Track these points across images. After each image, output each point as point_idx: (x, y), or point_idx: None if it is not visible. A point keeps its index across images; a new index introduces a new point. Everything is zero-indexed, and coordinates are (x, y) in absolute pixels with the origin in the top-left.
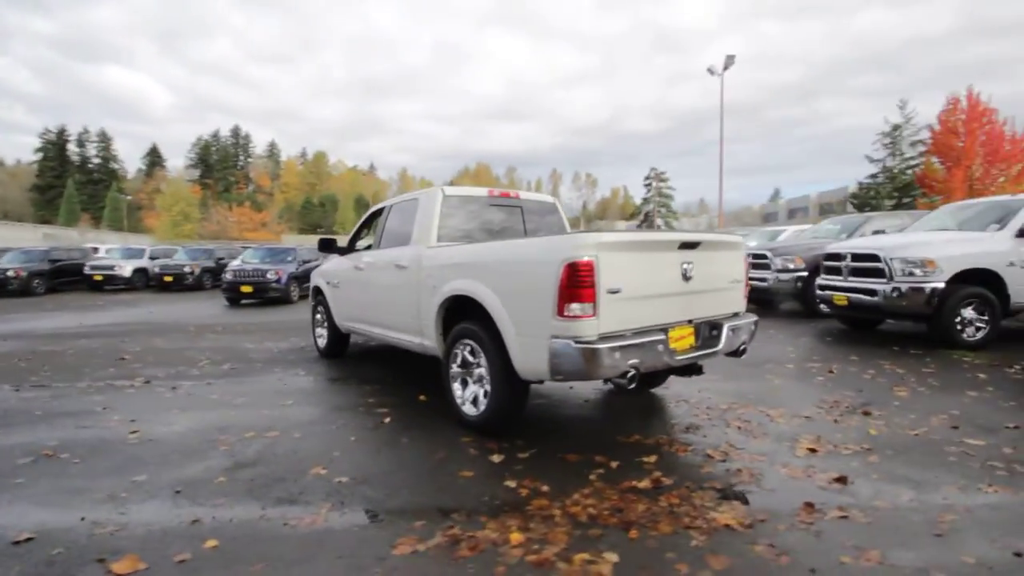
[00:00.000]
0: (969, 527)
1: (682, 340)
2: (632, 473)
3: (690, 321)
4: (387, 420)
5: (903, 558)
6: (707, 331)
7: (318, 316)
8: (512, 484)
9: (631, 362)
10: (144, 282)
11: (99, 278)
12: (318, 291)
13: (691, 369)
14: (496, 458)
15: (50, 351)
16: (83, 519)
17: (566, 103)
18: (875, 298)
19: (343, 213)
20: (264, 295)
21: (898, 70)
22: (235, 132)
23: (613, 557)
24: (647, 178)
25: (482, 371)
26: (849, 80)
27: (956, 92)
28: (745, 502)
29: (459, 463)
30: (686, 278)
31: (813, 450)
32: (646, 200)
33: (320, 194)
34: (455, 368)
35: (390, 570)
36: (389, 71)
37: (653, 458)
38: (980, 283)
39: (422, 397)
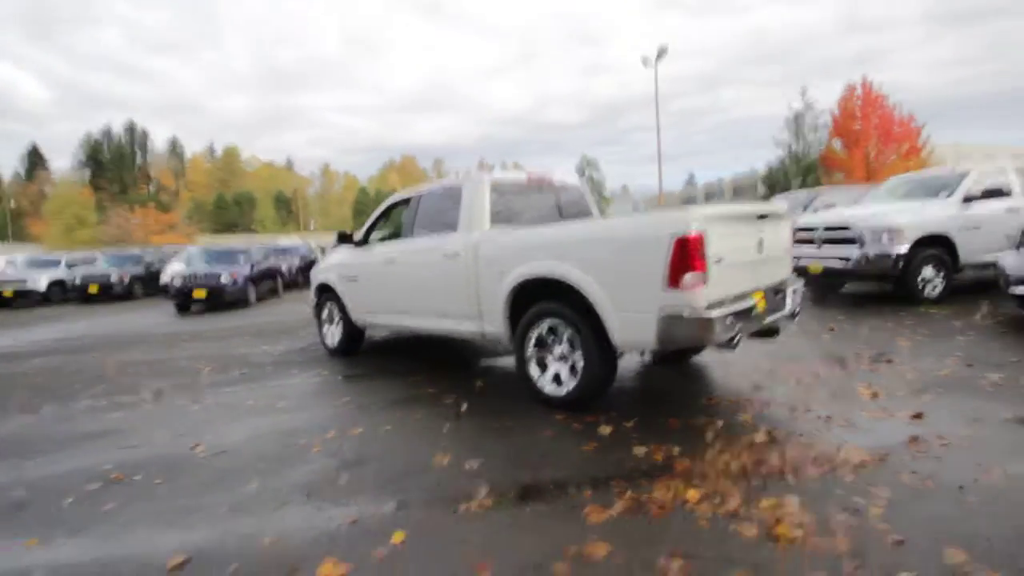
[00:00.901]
0: None
1: (760, 304)
2: (741, 429)
3: (763, 286)
4: (463, 408)
5: (1020, 469)
6: (773, 295)
7: (325, 314)
8: (642, 450)
9: (738, 326)
10: (62, 295)
11: (8, 294)
12: (323, 288)
13: (771, 331)
14: (605, 429)
15: (7, 373)
16: (229, 533)
17: (488, 94)
18: (848, 264)
19: (262, 211)
20: (219, 299)
21: (789, 62)
22: (130, 128)
23: (794, 499)
24: (577, 167)
25: (562, 349)
26: (747, 71)
27: (853, 81)
28: (857, 444)
29: (574, 438)
30: (760, 247)
31: (875, 395)
32: None
33: (234, 192)
34: (530, 350)
35: (606, 534)
36: (299, 61)
37: (747, 416)
38: (935, 246)
39: (479, 383)
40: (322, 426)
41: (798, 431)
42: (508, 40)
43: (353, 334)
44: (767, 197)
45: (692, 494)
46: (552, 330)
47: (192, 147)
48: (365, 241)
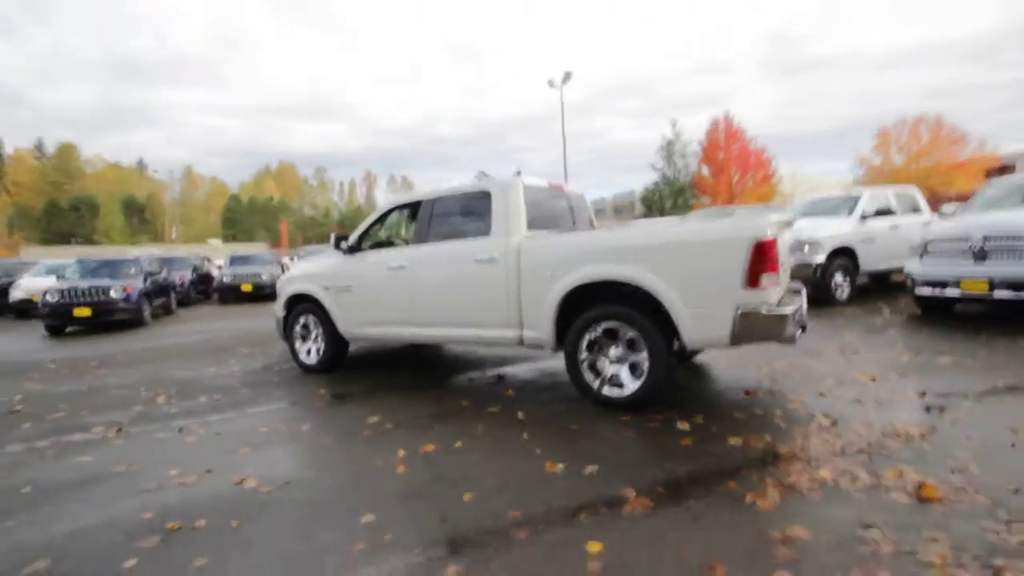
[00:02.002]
0: None
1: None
2: (799, 416)
3: (789, 289)
4: (520, 416)
5: None
6: (790, 295)
7: (298, 328)
8: (738, 441)
9: (799, 321)
10: None
11: None
12: (296, 300)
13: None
14: (684, 425)
15: None
16: (399, 572)
17: (374, 104)
18: None
19: (107, 219)
20: (107, 318)
21: (650, 96)
22: None
23: (906, 467)
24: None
25: (618, 352)
26: (615, 102)
27: (718, 116)
28: (901, 419)
29: (662, 435)
30: (785, 252)
31: (873, 379)
32: None
33: (71, 196)
34: (584, 353)
35: (793, 518)
36: (155, 52)
37: (795, 403)
38: (843, 256)
39: (509, 392)
40: (381, 446)
41: (846, 413)
42: (397, 52)
43: (338, 349)
44: (646, 215)
45: (825, 474)
46: (609, 332)
47: (14, 143)
48: (358, 248)
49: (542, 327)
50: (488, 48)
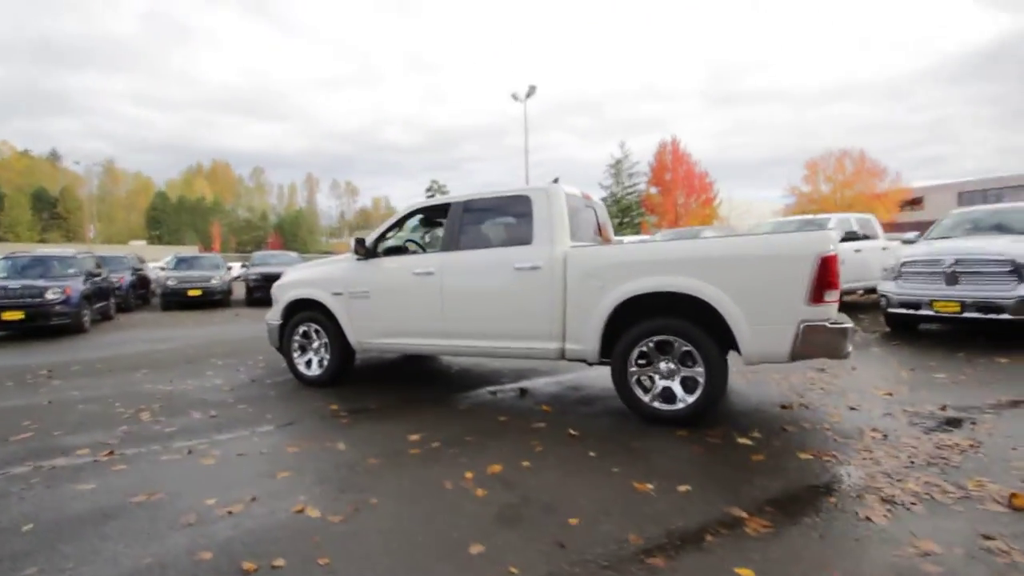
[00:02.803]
0: None
1: None
2: (847, 432)
3: None
4: (575, 434)
5: None
6: None
7: (298, 337)
8: (806, 456)
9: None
10: None
11: None
12: (297, 307)
13: None
14: (744, 440)
15: None
16: None
17: (318, 106)
18: None
19: (13, 213)
20: (42, 322)
21: (599, 116)
22: None
23: (984, 479)
24: (429, 189)
25: (669, 365)
26: (566, 118)
27: (666, 139)
28: (942, 433)
29: (728, 451)
30: None
31: (890, 394)
32: None
33: None
34: (634, 367)
35: (920, 530)
36: (77, 34)
37: (836, 416)
38: None
39: (544, 407)
40: (440, 467)
41: (890, 427)
42: (344, 53)
43: (344, 361)
44: None
45: (913, 486)
46: (661, 346)
47: None
48: (374, 252)
49: (588, 339)
50: (441, 57)
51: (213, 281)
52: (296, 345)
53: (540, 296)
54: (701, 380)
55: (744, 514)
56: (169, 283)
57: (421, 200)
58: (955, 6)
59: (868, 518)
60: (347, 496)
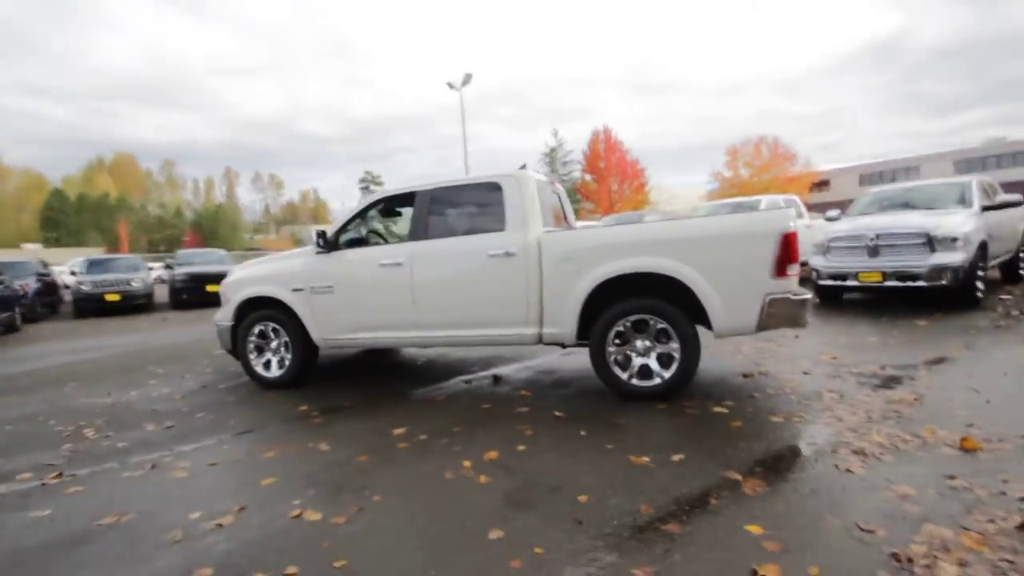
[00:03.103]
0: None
1: None
2: (810, 394)
3: None
4: (560, 415)
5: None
6: None
7: (254, 338)
8: (780, 419)
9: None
10: None
11: None
12: (251, 306)
13: None
14: (719, 409)
15: None
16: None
17: (230, 93)
18: None
19: None
20: None
21: (525, 105)
22: None
23: (934, 427)
24: (363, 181)
25: (645, 343)
26: (494, 108)
27: (598, 127)
28: (907, 388)
29: (711, 421)
30: None
31: (834, 357)
32: None
33: None
34: (612, 347)
35: (905, 478)
36: None
37: (793, 382)
38: None
39: (522, 392)
40: (434, 459)
41: (842, 388)
42: (258, 38)
43: (308, 359)
44: None
45: (878, 438)
46: (637, 325)
47: None
48: (336, 245)
49: (565, 323)
50: (361, 43)
51: (133, 284)
52: (252, 346)
53: (515, 282)
54: (677, 356)
55: (739, 476)
56: (83, 288)
57: (383, 192)
58: (848, 5)
59: (848, 470)
60: (346, 496)
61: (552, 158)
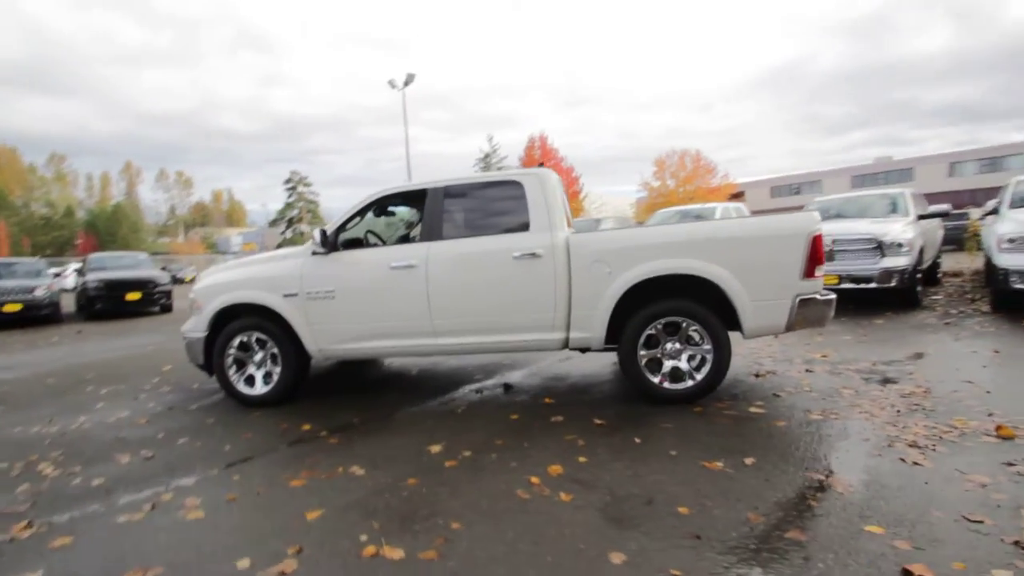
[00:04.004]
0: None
1: None
2: (828, 391)
3: None
4: (598, 421)
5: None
6: None
7: (234, 351)
8: (819, 416)
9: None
10: None
11: None
12: (231, 314)
13: None
14: (757, 409)
15: None
16: None
17: (128, 82)
18: None
19: None
20: None
21: (456, 110)
22: None
23: (962, 419)
24: (288, 181)
25: (675, 346)
26: (423, 113)
27: (534, 134)
28: (918, 380)
29: (751, 420)
30: None
31: (824, 355)
32: (289, 205)
33: None
34: (642, 350)
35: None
36: None
37: (805, 381)
38: None
39: (548, 400)
40: (492, 478)
41: (852, 384)
42: (162, 25)
43: (300, 373)
44: None
45: (919, 431)
46: (668, 327)
47: None
48: (334, 247)
49: (594, 327)
50: (278, 37)
51: (37, 292)
52: (231, 360)
53: (542, 285)
54: (709, 358)
55: (821, 477)
56: None
57: (387, 189)
58: (752, 34)
59: (916, 463)
60: (417, 526)
61: (487, 163)
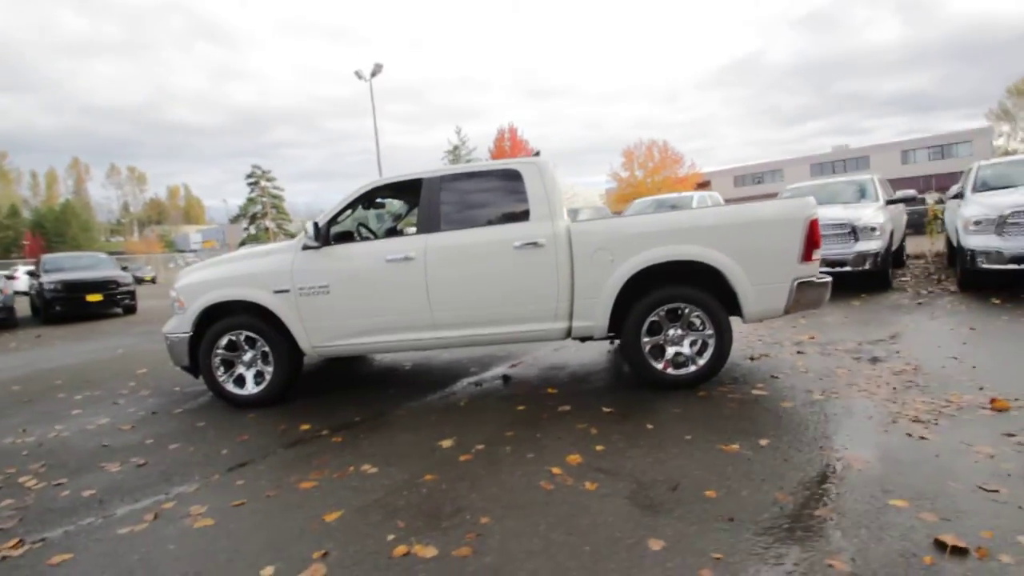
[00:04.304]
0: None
1: None
2: (823, 371)
3: None
4: (606, 409)
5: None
6: None
7: (221, 352)
8: (820, 396)
9: None
10: None
11: None
12: (215, 313)
13: None
14: (760, 391)
15: None
16: None
17: (72, 74)
18: None
19: None
20: None
21: (421, 103)
22: None
23: (957, 393)
24: (250, 176)
25: (676, 332)
26: (388, 105)
27: (503, 125)
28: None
29: (756, 403)
30: None
31: (812, 337)
32: (252, 200)
33: None
34: (646, 337)
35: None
36: None
37: (799, 363)
38: None
39: (551, 390)
40: (508, 470)
41: (845, 364)
42: (105, 14)
43: (293, 371)
44: None
45: (920, 406)
46: (671, 314)
47: None
48: (326, 240)
49: (597, 315)
50: (241, 28)
51: None
52: (218, 360)
53: (544, 275)
54: (711, 343)
55: (836, 455)
56: None
57: (379, 180)
58: (711, 26)
59: (922, 437)
60: (447, 523)
61: (456, 156)
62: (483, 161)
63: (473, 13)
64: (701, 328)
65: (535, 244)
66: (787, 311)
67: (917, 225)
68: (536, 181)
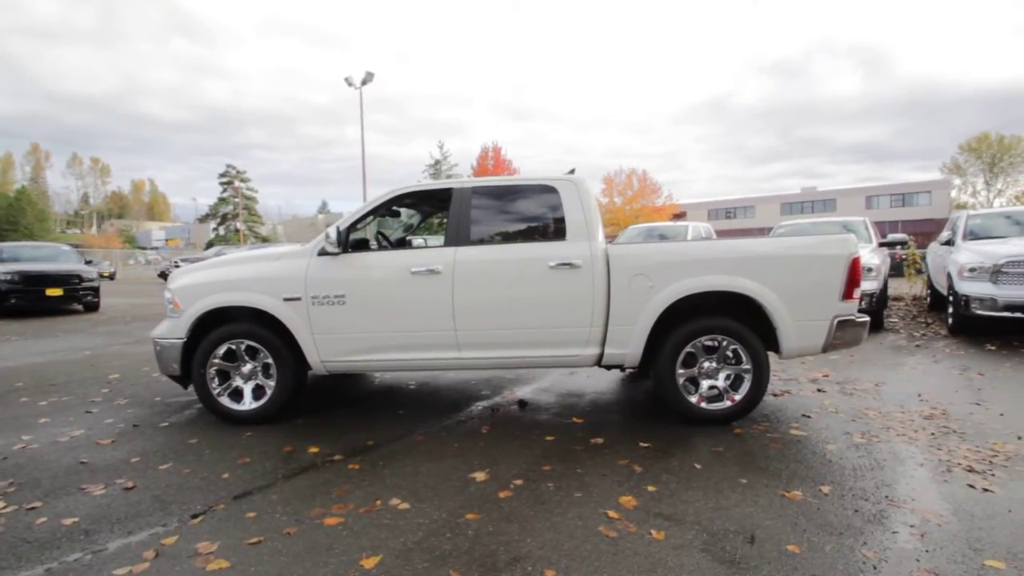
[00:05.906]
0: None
1: None
2: (850, 410)
3: None
4: (643, 444)
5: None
6: None
7: (218, 362)
8: (861, 440)
9: None
10: None
11: None
12: (214, 320)
13: None
14: (796, 432)
15: None
16: None
17: (34, 59)
18: None
19: None
20: None
21: (401, 115)
22: None
23: (1001, 442)
24: (223, 175)
25: (713, 365)
26: (367, 115)
27: (487, 143)
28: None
29: (797, 443)
30: None
31: (826, 375)
32: (224, 200)
33: None
34: (680, 369)
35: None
36: None
37: (826, 400)
38: None
39: (576, 419)
40: (557, 507)
41: (873, 406)
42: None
43: (298, 386)
44: None
45: (966, 455)
46: (709, 346)
47: None
48: (345, 247)
49: (631, 343)
50: (220, 26)
51: None
52: (213, 371)
53: (578, 297)
54: (747, 377)
55: (907, 507)
56: None
57: (404, 188)
58: (685, 65)
59: (986, 489)
60: (507, 574)
61: (437, 171)
62: (516, 176)
63: (461, 32)
64: (736, 362)
65: (571, 265)
66: (824, 349)
67: (896, 267)
68: (574, 198)
